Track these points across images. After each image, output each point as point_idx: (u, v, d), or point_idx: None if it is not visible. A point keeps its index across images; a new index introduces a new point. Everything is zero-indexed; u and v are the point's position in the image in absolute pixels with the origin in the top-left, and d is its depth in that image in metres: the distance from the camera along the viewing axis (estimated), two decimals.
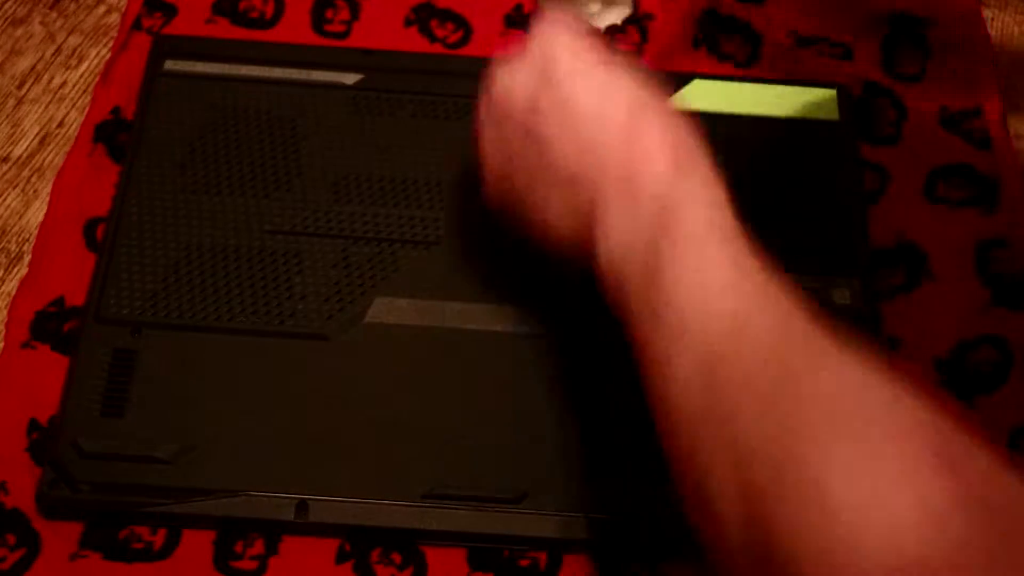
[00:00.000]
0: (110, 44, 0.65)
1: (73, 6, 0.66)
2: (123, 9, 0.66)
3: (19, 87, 0.63)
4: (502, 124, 0.48)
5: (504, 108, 0.48)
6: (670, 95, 0.47)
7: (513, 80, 0.48)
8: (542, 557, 0.51)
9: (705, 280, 0.40)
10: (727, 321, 0.38)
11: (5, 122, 0.62)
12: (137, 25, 0.65)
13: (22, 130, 0.62)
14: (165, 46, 0.62)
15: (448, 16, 0.66)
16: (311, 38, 0.65)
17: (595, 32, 0.48)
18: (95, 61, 0.64)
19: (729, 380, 0.37)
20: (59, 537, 0.50)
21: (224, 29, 0.65)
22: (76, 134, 0.61)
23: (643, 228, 0.42)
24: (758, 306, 0.39)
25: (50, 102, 0.63)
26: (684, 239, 0.41)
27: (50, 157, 0.61)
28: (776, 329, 0.38)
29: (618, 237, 0.43)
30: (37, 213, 0.59)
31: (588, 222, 0.44)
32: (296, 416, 0.52)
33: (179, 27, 0.65)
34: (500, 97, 0.48)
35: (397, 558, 0.51)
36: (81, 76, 0.64)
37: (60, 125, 0.62)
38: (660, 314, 0.40)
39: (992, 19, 0.68)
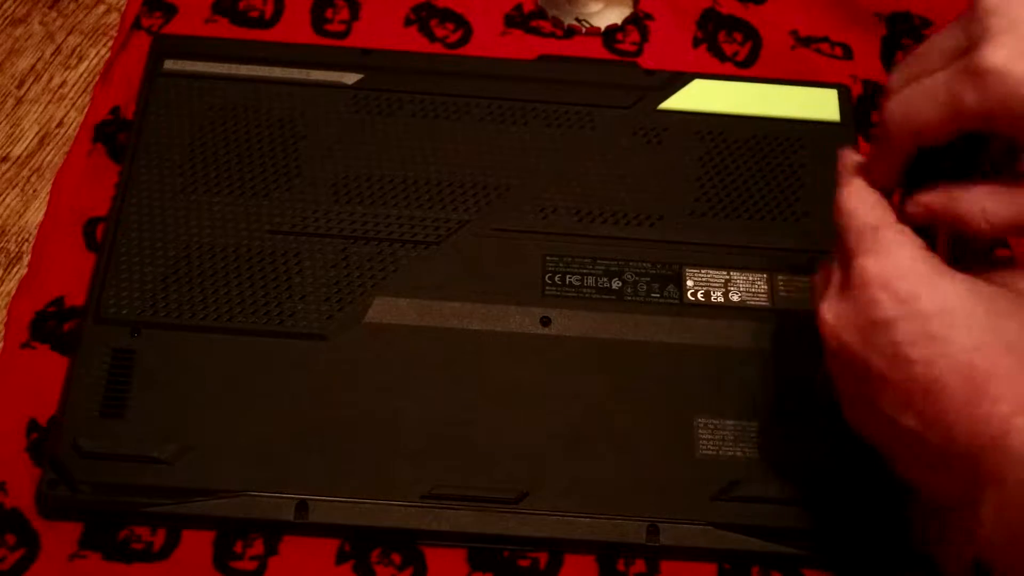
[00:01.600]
0: (110, 44, 0.65)
1: (73, 6, 0.66)
2: (123, 9, 0.66)
3: (19, 87, 0.63)
4: (850, 361, 0.43)
5: (830, 342, 0.43)
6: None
7: (839, 316, 0.43)
8: (542, 557, 0.51)
9: None
10: None
11: (5, 122, 0.62)
12: (137, 25, 0.65)
13: (22, 130, 0.62)
14: (165, 46, 0.62)
15: (448, 16, 0.66)
16: (311, 38, 0.65)
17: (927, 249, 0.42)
18: (95, 61, 0.64)
19: None
20: (58, 537, 0.50)
21: (224, 29, 0.65)
22: (76, 134, 0.61)
23: None
24: None
25: (50, 102, 0.63)
26: None
27: (50, 157, 0.61)
28: None
29: (1001, 524, 0.38)
30: (37, 213, 0.59)
31: (968, 487, 0.40)
32: (296, 416, 0.52)
33: (179, 27, 0.65)
34: (827, 331, 0.43)
35: (397, 558, 0.50)
36: (81, 76, 0.64)
37: (60, 125, 0.62)
38: None
39: None
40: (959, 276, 0.41)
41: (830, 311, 0.43)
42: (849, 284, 0.43)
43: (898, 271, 0.41)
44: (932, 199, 0.43)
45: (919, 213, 0.44)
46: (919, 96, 0.41)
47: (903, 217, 0.44)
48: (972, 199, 0.42)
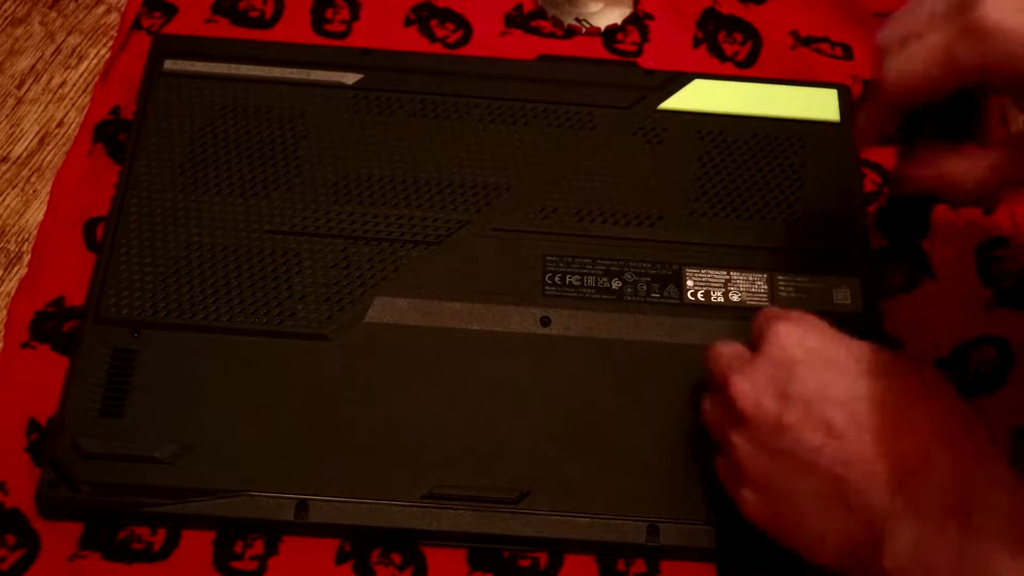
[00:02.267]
0: (110, 44, 0.65)
1: (73, 6, 0.66)
2: (123, 9, 0.66)
3: (19, 87, 0.63)
4: (747, 425, 0.45)
5: (746, 410, 0.45)
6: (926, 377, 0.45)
7: (751, 380, 0.46)
8: (542, 557, 0.51)
9: None
10: None
11: (5, 122, 0.62)
12: (137, 25, 0.65)
13: (22, 130, 0.62)
14: (165, 46, 0.62)
15: (448, 16, 0.66)
16: (311, 38, 0.65)
17: (823, 321, 0.46)
18: (95, 61, 0.64)
19: None
20: (59, 537, 0.50)
21: (224, 29, 0.65)
22: (76, 134, 0.61)
23: (946, 547, 0.39)
24: None
25: (50, 102, 0.63)
26: (998, 555, 0.38)
27: (50, 157, 0.61)
28: None
29: (916, 559, 0.40)
30: (37, 213, 0.59)
31: (864, 530, 0.42)
32: (296, 416, 0.52)
33: (179, 27, 0.65)
34: (741, 399, 0.45)
35: (397, 558, 0.50)
36: (81, 76, 0.64)
37: (60, 125, 0.62)
38: None
39: None
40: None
41: (744, 380, 0.46)
42: (758, 353, 0.46)
43: (799, 332, 0.46)
44: (921, 170, 0.45)
45: (910, 185, 0.45)
46: (917, 55, 0.41)
47: (895, 188, 0.45)
48: (961, 165, 0.43)
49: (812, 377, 0.44)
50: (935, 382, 0.44)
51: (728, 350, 0.48)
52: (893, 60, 0.42)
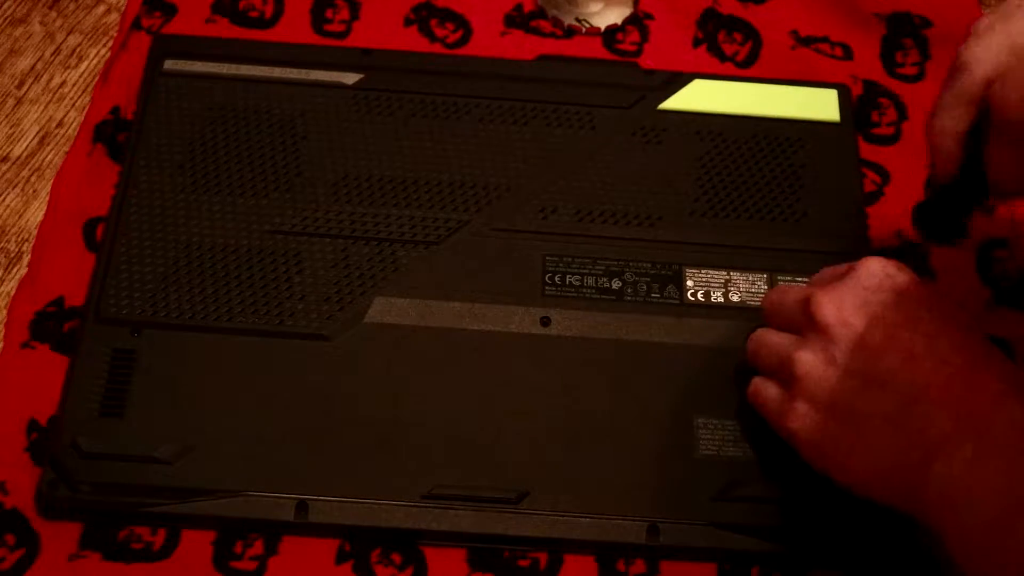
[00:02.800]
0: (110, 44, 0.65)
1: (72, 6, 0.66)
2: (123, 9, 0.66)
3: (19, 87, 0.63)
4: (827, 343, 0.46)
5: (832, 324, 0.46)
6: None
7: (840, 298, 0.46)
8: (542, 557, 0.51)
9: None
10: None
11: (5, 122, 0.62)
12: (137, 25, 0.65)
13: (22, 130, 0.62)
14: (165, 46, 0.62)
15: (448, 16, 0.66)
16: (311, 38, 0.65)
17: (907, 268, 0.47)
18: (95, 61, 0.64)
19: None
20: (59, 537, 0.50)
21: (224, 29, 0.65)
22: (76, 134, 0.61)
23: (1000, 466, 0.40)
24: None
25: (50, 102, 0.63)
26: None
27: (50, 157, 0.61)
28: None
29: (968, 476, 0.41)
30: (37, 213, 0.59)
31: (918, 463, 0.43)
32: (296, 416, 0.52)
33: (179, 27, 0.65)
34: (827, 313, 0.46)
35: (397, 558, 0.50)
36: (81, 76, 0.64)
37: (60, 125, 0.62)
38: None
39: None
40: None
41: (831, 296, 0.46)
42: (848, 276, 0.47)
43: (892, 266, 0.47)
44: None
45: (1007, 187, 0.48)
46: (997, 35, 0.44)
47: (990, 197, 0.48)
48: None
49: (901, 307, 0.45)
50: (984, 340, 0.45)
51: (796, 286, 0.50)
52: (974, 41, 0.44)
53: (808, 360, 0.46)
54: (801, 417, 0.46)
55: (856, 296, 0.46)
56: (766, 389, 0.49)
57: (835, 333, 0.46)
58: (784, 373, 0.47)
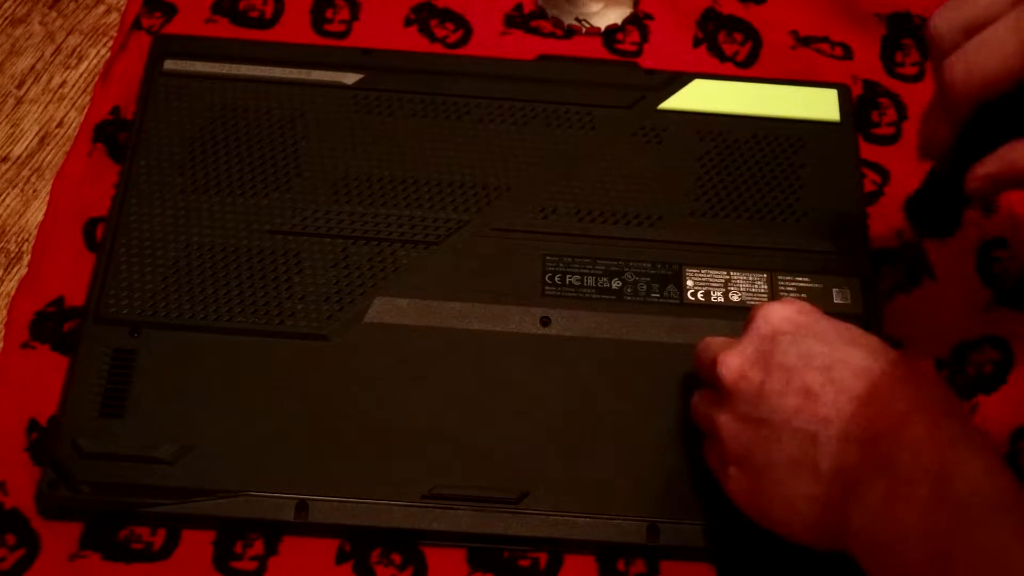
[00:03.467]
0: (110, 44, 0.65)
1: (72, 6, 0.66)
2: (123, 9, 0.66)
3: (19, 87, 0.63)
4: (730, 399, 0.46)
5: (729, 380, 0.46)
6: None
7: (736, 352, 0.46)
8: (542, 557, 0.51)
9: (1004, 561, 0.37)
10: None
11: (5, 122, 0.62)
12: (137, 25, 0.65)
13: (22, 130, 0.62)
14: (165, 46, 0.62)
15: (448, 16, 0.66)
16: (311, 38, 0.65)
17: (811, 306, 0.47)
18: (95, 61, 0.64)
19: None
20: (59, 537, 0.50)
21: (224, 29, 0.65)
22: (76, 134, 0.61)
23: (915, 505, 0.39)
24: None
25: (50, 102, 0.63)
26: (971, 518, 0.38)
27: (50, 157, 0.61)
28: None
29: (885, 515, 0.40)
30: (37, 213, 0.59)
31: (837, 501, 0.42)
32: (296, 416, 0.52)
33: (179, 27, 0.65)
34: (724, 369, 0.46)
35: (397, 558, 0.50)
36: (81, 76, 0.64)
37: (60, 125, 0.62)
38: None
39: None
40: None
41: (732, 355, 0.46)
42: (746, 331, 0.47)
43: (787, 309, 0.47)
44: (990, 168, 0.43)
45: (981, 186, 0.44)
46: (985, 49, 0.39)
47: (973, 184, 0.45)
48: None
49: (795, 347, 0.45)
50: (913, 363, 0.44)
51: (717, 339, 0.49)
52: (959, 56, 0.40)
53: (724, 422, 0.46)
54: (734, 480, 0.46)
55: (752, 348, 0.46)
56: (710, 450, 0.49)
57: (739, 389, 0.45)
58: (714, 437, 0.47)
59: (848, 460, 0.41)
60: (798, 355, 0.44)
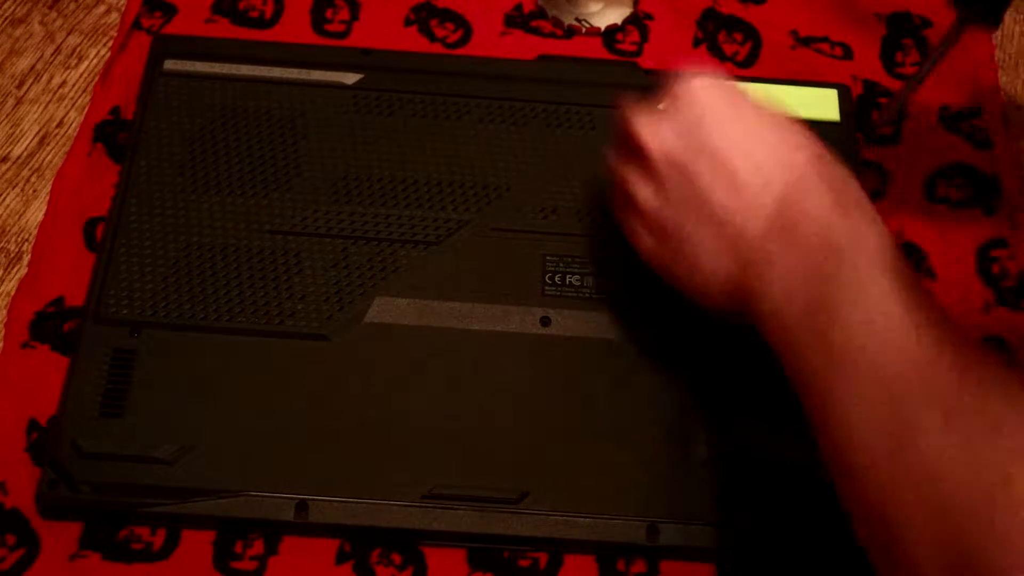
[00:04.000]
0: (110, 44, 0.65)
1: (73, 6, 0.66)
2: (123, 9, 0.66)
3: (19, 87, 0.63)
4: (653, 175, 0.48)
5: (655, 159, 0.48)
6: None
7: (661, 131, 0.48)
8: (542, 557, 0.51)
9: (882, 321, 0.39)
10: (908, 361, 0.38)
11: (5, 122, 0.62)
12: (137, 25, 0.65)
13: (22, 130, 0.62)
14: (165, 46, 0.62)
15: (448, 16, 0.66)
16: (311, 38, 0.65)
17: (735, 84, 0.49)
18: (95, 61, 0.64)
19: (916, 419, 0.37)
20: (58, 537, 0.50)
21: (224, 29, 0.65)
22: (76, 134, 0.61)
23: (809, 272, 0.42)
24: (936, 342, 0.38)
25: (50, 102, 0.63)
26: (854, 282, 0.40)
27: (50, 157, 0.61)
28: (958, 364, 0.38)
29: (781, 282, 0.43)
30: (37, 213, 0.59)
31: (744, 268, 0.45)
32: (296, 416, 0.52)
33: (179, 27, 0.65)
34: (650, 148, 0.48)
35: (397, 558, 0.50)
36: (81, 76, 0.64)
37: (60, 125, 0.62)
38: (836, 359, 0.40)
39: None
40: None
41: (654, 132, 0.48)
42: (668, 106, 0.48)
43: (720, 82, 0.48)
44: None
45: None
46: None
47: None
48: None
49: (720, 129, 0.46)
50: (835, 154, 0.47)
51: (640, 105, 0.51)
52: None
53: (647, 196, 0.49)
54: (648, 247, 0.50)
55: (675, 125, 0.48)
56: (622, 210, 0.51)
57: (664, 167, 0.47)
58: (631, 203, 0.50)
59: (757, 230, 0.45)
60: (724, 139, 0.46)
